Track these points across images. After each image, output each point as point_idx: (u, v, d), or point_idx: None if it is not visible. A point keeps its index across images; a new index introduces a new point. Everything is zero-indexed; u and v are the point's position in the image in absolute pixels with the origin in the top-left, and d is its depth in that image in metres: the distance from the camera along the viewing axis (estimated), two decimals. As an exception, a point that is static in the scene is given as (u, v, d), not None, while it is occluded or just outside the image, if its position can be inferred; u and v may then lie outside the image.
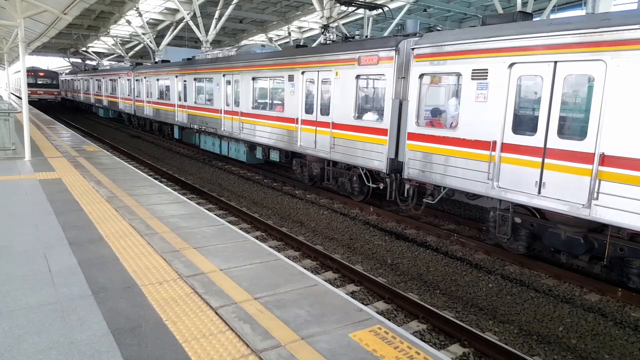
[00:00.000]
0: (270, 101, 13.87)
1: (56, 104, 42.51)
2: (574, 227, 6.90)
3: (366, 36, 16.67)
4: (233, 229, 6.65)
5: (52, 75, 43.80)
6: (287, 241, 8.71)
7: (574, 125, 6.82)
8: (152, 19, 32.34)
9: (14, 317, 3.89)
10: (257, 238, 8.60)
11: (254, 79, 14.33)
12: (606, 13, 7.09)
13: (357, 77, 10.33)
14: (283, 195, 12.50)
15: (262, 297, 4.44)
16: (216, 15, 25.43)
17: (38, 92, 41.57)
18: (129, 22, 31.21)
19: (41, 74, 42.72)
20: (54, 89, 42.99)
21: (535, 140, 6.99)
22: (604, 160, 6.17)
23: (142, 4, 28.04)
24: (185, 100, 19.21)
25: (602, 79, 6.16)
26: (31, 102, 35.26)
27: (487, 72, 7.59)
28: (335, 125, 10.97)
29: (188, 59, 20.49)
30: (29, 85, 36.89)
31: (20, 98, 36.48)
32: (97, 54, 43.63)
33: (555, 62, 6.68)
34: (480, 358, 5.14)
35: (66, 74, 44.64)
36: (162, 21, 32.99)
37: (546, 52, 6.76)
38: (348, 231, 9.61)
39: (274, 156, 14.14)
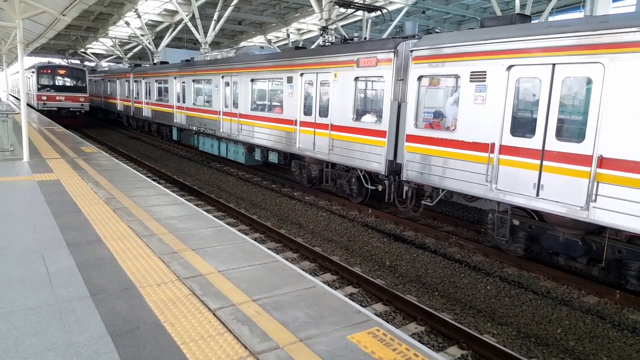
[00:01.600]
0: (269, 103, 13.86)
1: (82, 115, 28.42)
2: (572, 229, 6.91)
3: (365, 38, 16.68)
4: (231, 231, 6.64)
5: (78, 74, 28.95)
6: (285, 243, 8.70)
7: (572, 127, 6.83)
8: (151, 20, 32.36)
9: (12, 319, 3.87)
10: (255, 240, 8.59)
11: (252, 80, 14.34)
12: (604, 16, 7.11)
13: (356, 79, 10.34)
14: (282, 197, 12.50)
15: (260, 299, 4.43)
16: (215, 17, 25.48)
17: (57, 97, 27.44)
18: (127, 23, 31.19)
19: (61, 71, 28.58)
20: (80, 94, 28.24)
21: (533, 143, 7.00)
22: (602, 162, 6.18)
23: (141, 5, 28.04)
24: (183, 102, 19.21)
25: (600, 82, 6.18)
26: (47, 114, 26.62)
27: (485, 75, 7.60)
28: (334, 127, 10.97)
29: (187, 60, 20.49)
30: (45, 87, 27.48)
31: (19, 99, 34.86)
32: (96, 55, 43.52)
33: (554, 65, 6.70)
34: (478, 360, 5.15)
35: None
36: (161, 23, 33.01)
37: (544, 54, 6.78)
38: (346, 233, 9.61)
39: (273, 158, 14.14)
